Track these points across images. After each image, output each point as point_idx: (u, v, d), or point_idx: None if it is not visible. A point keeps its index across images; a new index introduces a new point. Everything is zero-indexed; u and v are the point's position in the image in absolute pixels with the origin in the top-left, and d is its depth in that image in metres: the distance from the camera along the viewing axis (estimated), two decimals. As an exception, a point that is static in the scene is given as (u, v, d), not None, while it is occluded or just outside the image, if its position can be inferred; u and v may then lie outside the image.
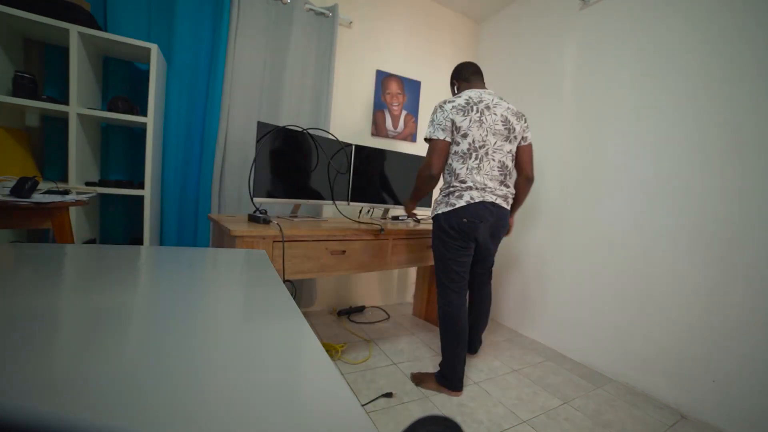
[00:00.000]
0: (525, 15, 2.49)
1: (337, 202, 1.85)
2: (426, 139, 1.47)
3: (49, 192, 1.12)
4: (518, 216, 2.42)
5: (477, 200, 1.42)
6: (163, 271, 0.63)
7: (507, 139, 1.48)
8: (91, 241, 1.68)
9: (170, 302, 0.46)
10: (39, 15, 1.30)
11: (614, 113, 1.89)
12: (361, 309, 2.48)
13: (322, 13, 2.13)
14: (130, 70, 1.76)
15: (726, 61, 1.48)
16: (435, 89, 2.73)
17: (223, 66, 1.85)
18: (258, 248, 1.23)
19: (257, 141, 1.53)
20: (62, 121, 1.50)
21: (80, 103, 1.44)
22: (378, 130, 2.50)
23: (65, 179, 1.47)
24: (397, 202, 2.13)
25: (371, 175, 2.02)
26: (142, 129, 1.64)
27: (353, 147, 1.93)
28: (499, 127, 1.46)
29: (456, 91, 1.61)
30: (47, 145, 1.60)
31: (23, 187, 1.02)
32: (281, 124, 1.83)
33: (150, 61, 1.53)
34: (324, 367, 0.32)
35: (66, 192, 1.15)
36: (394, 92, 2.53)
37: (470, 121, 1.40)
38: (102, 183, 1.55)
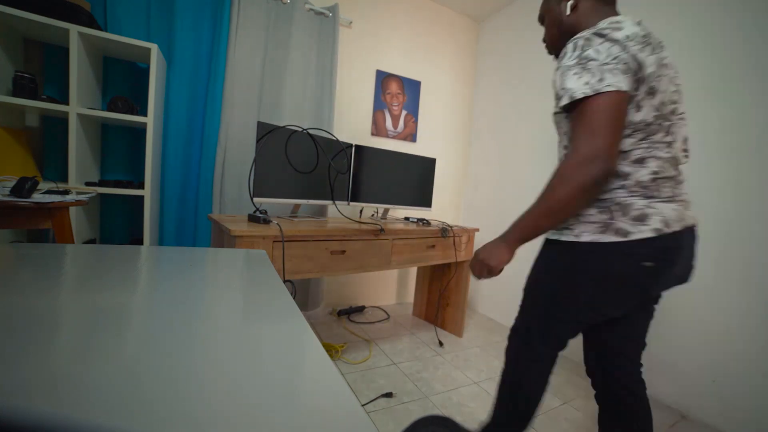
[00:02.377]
0: (525, 14, 2.48)
1: (337, 202, 1.84)
2: (572, 102, 0.73)
3: (49, 192, 1.12)
4: (517, 214, 2.42)
5: (675, 226, 0.74)
6: (163, 271, 0.63)
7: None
8: (91, 241, 1.68)
9: (170, 302, 0.46)
10: (39, 15, 1.30)
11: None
12: (361, 309, 2.48)
13: (322, 13, 2.13)
14: (130, 70, 1.76)
15: (726, 61, 1.48)
16: (435, 89, 2.73)
17: (223, 66, 1.85)
18: (258, 248, 1.23)
19: (257, 141, 1.53)
20: (62, 121, 1.50)
21: (80, 103, 1.44)
22: (378, 130, 2.50)
23: (65, 179, 1.47)
24: (398, 203, 2.12)
25: (371, 175, 2.02)
26: (142, 129, 1.64)
27: (353, 147, 1.93)
28: (680, 82, 0.85)
29: (571, 11, 0.86)
30: (47, 145, 1.60)
31: (23, 187, 1.02)
32: (282, 124, 1.83)
33: (150, 60, 1.53)
34: (324, 367, 0.32)
35: (66, 192, 1.15)
36: (394, 92, 2.53)
37: (658, 65, 0.75)
38: (102, 183, 1.55)
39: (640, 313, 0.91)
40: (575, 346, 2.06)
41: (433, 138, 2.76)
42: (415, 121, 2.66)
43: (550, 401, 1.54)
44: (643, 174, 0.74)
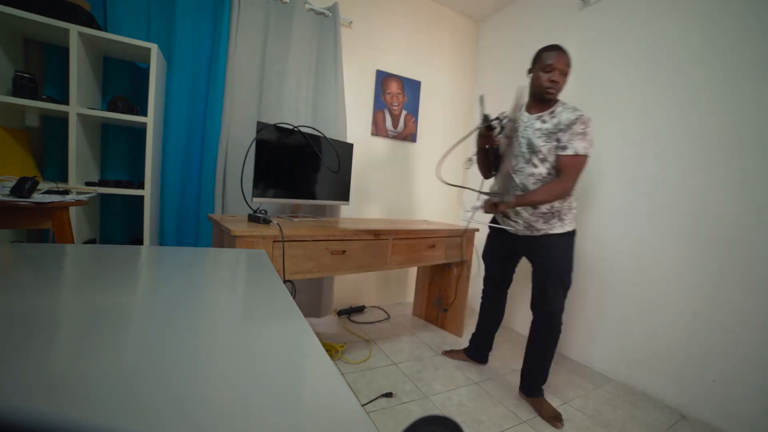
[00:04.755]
0: (525, 15, 2.49)
1: (336, 202, 1.84)
2: (575, 156, 1.33)
3: (49, 192, 1.12)
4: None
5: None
6: (163, 271, 0.63)
7: None
8: (91, 241, 1.68)
9: (170, 302, 0.46)
10: (39, 15, 1.30)
11: (614, 112, 1.88)
12: (361, 309, 2.48)
13: (322, 13, 2.13)
14: (130, 70, 1.76)
15: (727, 61, 1.48)
16: (435, 89, 2.73)
17: (223, 66, 1.85)
18: (258, 248, 1.23)
19: (253, 141, 1.53)
20: (62, 121, 1.50)
21: (80, 103, 1.43)
22: (378, 130, 2.50)
23: (65, 179, 1.47)
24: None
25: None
26: (142, 129, 1.64)
27: (353, 147, 1.93)
28: None
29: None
30: (47, 145, 1.60)
31: (23, 187, 1.02)
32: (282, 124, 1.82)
33: (150, 60, 1.53)
34: (324, 367, 0.32)
35: (66, 192, 1.15)
36: (394, 92, 2.53)
37: None
38: (102, 183, 1.55)
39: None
40: (576, 346, 2.06)
41: (433, 138, 2.76)
42: (415, 121, 2.66)
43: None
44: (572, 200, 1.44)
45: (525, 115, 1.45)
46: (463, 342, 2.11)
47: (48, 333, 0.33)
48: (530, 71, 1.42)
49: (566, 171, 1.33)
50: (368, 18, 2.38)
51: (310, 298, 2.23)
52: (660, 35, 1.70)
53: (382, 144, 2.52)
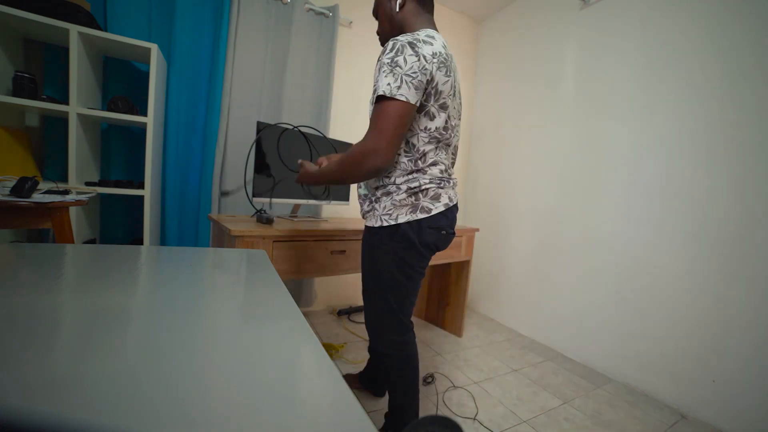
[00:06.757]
0: (525, 14, 2.49)
1: (336, 202, 1.85)
2: (379, 97, 0.85)
3: (49, 192, 1.12)
4: (517, 214, 2.42)
5: (454, 202, 1.02)
6: (163, 271, 0.63)
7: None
8: (91, 241, 1.68)
9: (170, 302, 0.46)
10: (39, 15, 1.30)
11: (615, 112, 1.89)
12: (361, 309, 2.48)
13: (322, 13, 2.13)
14: (130, 70, 1.76)
15: (729, 61, 1.48)
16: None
17: (223, 66, 1.85)
18: (258, 248, 1.23)
19: (255, 141, 1.53)
20: (62, 121, 1.50)
21: (80, 103, 1.44)
22: (378, 130, 2.50)
23: (65, 179, 1.47)
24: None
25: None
26: (142, 129, 1.64)
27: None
28: (461, 108, 1.06)
29: (399, 9, 0.98)
30: (47, 145, 1.60)
31: (23, 187, 1.02)
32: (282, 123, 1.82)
33: (150, 61, 1.53)
34: (324, 367, 0.32)
35: (66, 192, 1.15)
36: (394, 92, 2.52)
37: (451, 85, 0.92)
38: (102, 183, 1.55)
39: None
40: (575, 346, 2.06)
41: (433, 138, 2.76)
42: (415, 121, 2.66)
43: (550, 401, 1.54)
44: (435, 172, 0.97)
45: None
46: (464, 342, 2.11)
47: (48, 333, 0.33)
48: None
49: (370, 125, 0.90)
50: (368, 18, 2.38)
51: (291, 288, 2.27)
52: (660, 35, 1.70)
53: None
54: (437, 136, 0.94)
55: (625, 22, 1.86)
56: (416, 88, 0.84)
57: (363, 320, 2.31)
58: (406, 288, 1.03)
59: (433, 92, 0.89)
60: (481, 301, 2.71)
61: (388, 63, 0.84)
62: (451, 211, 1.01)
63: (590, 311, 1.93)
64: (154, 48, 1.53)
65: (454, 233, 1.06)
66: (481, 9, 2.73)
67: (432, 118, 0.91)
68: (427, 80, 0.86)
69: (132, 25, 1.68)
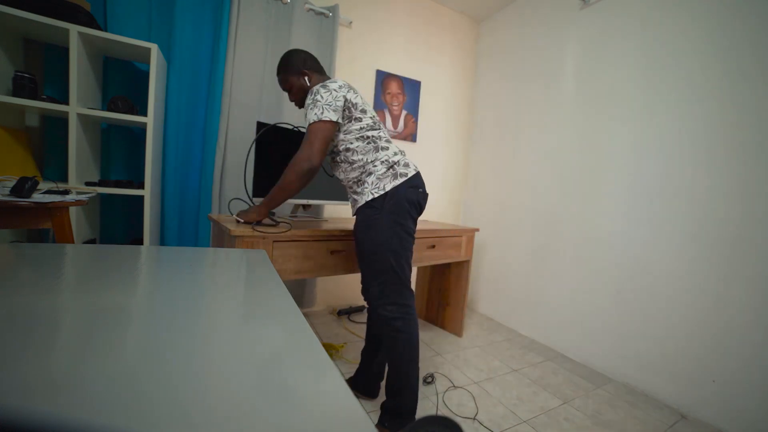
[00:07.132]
0: (525, 14, 2.49)
1: (337, 202, 1.85)
2: (310, 124, 1.16)
3: (49, 192, 1.12)
4: (517, 214, 2.42)
5: (418, 169, 1.27)
6: (163, 271, 0.63)
7: None
8: (91, 241, 1.68)
9: (170, 302, 0.46)
10: (39, 15, 1.30)
11: (615, 112, 1.89)
12: (361, 309, 2.48)
13: (322, 13, 2.13)
14: (130, 70, 1.76)
15: (729, 61, 1.48)
16: (435, 89, 2.73)
17: (223, 66, 1.85)
18: (258, 248, 1.23)
19: (254, 141, 1.53)
20: (62, 121, 1.50)
21: (80, 103, 1.44)
22: (378, 130, 2.50)
23: (65, 179, 1.47)
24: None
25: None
26: (142, 129, 1.64)
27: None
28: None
29: (308, 83, 1.31)
30: (47, 145, 1.60)
31: (23, 187, 1.02)
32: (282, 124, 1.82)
33: (150, 61, 1.53)
34: (324, 367, 0.32)
35: (66, 192, 1.15)
36: (394, 92, 2.53)
37: (362, 99, 1.24)
38: (102, 183, 1.55)
39: None
40: (575, 346, 2.06)
41: (433, 138, 2.76)
42: (415, 121, 2.66)
43: (550, 401, 1.54)
44: (393, 149, 1.26)
45: None
46: (464, 342, 2.11)
47: (48, 333, 0.33)
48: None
49: (302, 141, 1.17)
50: (368, 18, 2.38)
51: (292, 289, 2.27)
52: (660, 35, 1.70)
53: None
54: (371, 126, 1.23)
55: (625, 22, 1.86)
56: (334, 110, 1.15)
57: (363, 320, 2.32)
58: (403, 250, 1.21)
59: (351, 106, 1.20)
60: (481, 301, 2.71)
61: (311, 102, 1.17)
62: (418, 175, 1.26)
63: (590, 311, 1.93)
64: (154, 48, 1.53)
65: (427, 193, 1.29)
66: (481, 9, 2.73)
67: (359, 120, 1.22)
68: (344, 101, 1.18)
69: (132, 25, 1.68)
